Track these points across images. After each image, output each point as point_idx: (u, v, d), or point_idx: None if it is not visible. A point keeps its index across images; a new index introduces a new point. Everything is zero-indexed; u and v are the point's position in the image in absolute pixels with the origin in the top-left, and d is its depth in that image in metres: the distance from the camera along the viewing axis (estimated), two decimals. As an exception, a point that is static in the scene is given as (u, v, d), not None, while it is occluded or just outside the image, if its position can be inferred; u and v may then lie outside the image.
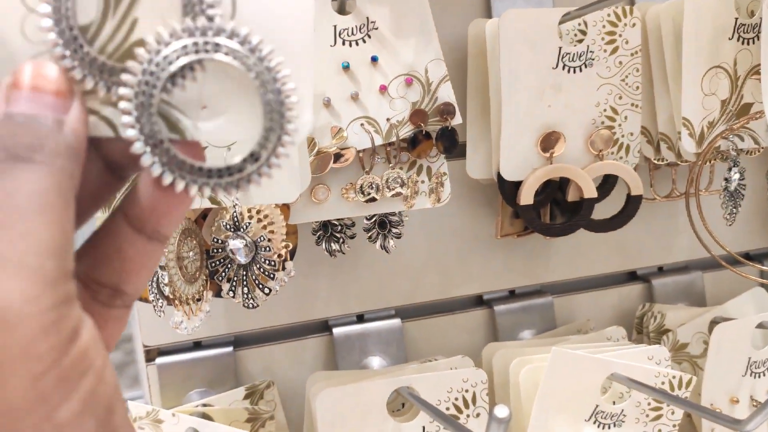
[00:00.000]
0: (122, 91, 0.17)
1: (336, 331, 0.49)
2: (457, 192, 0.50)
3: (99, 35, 0.18)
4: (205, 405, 0.45)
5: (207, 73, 0.18)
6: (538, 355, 0.45)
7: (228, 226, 0.33)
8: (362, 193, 0.40)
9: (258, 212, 0.35)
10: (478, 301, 0.54)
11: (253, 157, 0.18)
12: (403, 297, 0.51)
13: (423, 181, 0.42)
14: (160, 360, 0.46)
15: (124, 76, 0.17)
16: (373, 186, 0.40)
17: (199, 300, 0.34)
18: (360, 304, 0.50)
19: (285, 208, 0.37)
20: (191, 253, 0.33)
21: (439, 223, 0.51)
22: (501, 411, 0.26)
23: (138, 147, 0.17)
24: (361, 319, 0.51)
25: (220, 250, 0.34)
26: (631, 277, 0.57)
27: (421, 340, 0.51)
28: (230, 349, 0.47)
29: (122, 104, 0.17)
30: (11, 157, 0.16)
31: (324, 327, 0.50)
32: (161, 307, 0.32)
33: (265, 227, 0.35)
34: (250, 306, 0.35)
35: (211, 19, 0.17)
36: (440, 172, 0.42)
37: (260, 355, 0.48)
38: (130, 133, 0.17)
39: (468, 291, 0.52)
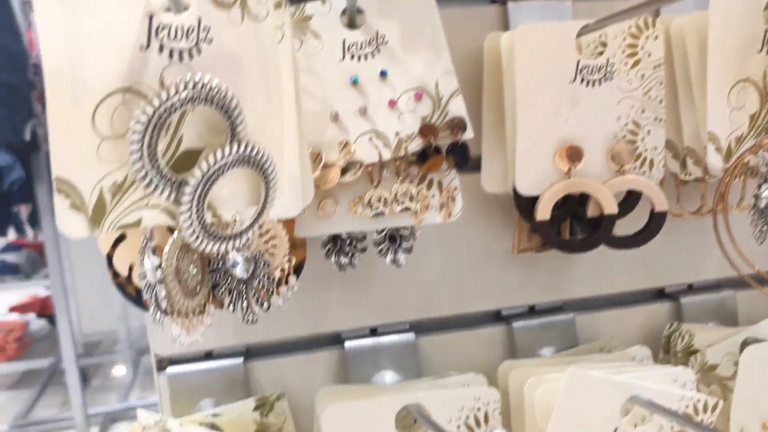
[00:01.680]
0: (187, 190, 0.28)
1: (348, 344, 0.49)
2: (473, 206, 0.49)
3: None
4: (215, 415, 0.45)
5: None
6: (554, 374, 0.44)
7: (229, 241, 0.33)
8: (370, 207, 0.40)
9: (260, 227, 0.34)
10: (496, 317, 0.52)
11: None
12: (418, 311, 0.50)
13: (434, 196, 0.41)
14: (170, 369, 0.46)
15: (190, 179, 0.28)
16: (381, 200, 0.40)
17: (200, 314, 0.34)
18: (373, 318, 0.49)
19: (289, 222, 0.37)
20: (192, 267, 0.33)
21: (454, 236, 0.50)
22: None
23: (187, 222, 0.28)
24: (374, 332, 0.50)
25: (220, 264, 0.33)
26: (659, 295, 0.55)
27: (436, 355, 0.50)
28: (240, 360, 0.47)
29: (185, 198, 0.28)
30: None
31: (336, 340, 0.50)
32: (159, 320, 0.32)
33: (267, 242, 0.35)
34: (249, 321, 0.34)
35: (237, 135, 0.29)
36: (451, 186, 0.41)
37: (271, 366, 0.48)
38: (186, 216, 0.28)
39: (485, 306, 0.51)
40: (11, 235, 3.02)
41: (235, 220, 0.29)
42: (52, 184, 0.26)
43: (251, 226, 0.30)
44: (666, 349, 0.53)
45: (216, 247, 0.29)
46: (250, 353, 0.48)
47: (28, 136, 1.77)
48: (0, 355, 2.82)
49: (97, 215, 0.26)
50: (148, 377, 2.67)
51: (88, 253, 2.99)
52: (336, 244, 0.43)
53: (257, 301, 0.34)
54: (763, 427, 0.49)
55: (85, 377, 2.67)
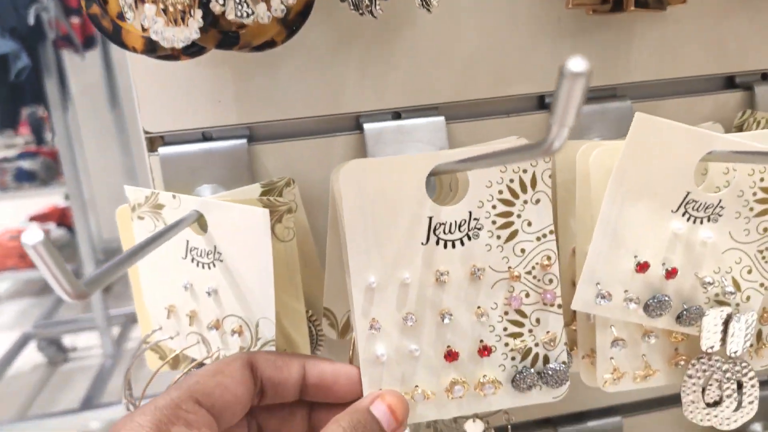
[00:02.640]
0: None
1: (368, 127, 0.42)
2: (517, -39, 0.41)
3: None
4: (214, 199, 0.39)
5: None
6: (613, 141, 0.37)
7: None
8: None
9: None
10: (540, 103, 0.45)
11: None
12: (448, 93, 0.43)
13: None
14: (163, 150, 0.40)
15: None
16: None
17: (183, 12, 0.27)
18: (397, 99, 0.42)
19: None
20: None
21: (494, 2, 0.42)
22: (576, 64, 0.18)
23: None
24: (398, 117, 0.43)
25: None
26: (729, 84, 0.47)
27: (470, 144, 0.43)
28: (244, 141, 0.41)
29: None
30: None
31: (354, 124, 0.43)
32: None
33: None
34: (245, 15, 0.27)
35: None
36: None
37: (279, 150, 0.42)
38: None
39: (527, 89, 0.44)
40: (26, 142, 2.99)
41: None
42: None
43: None
44: (737, 142, 0.46)
45: None
46: (254, 136, 0.42)
47: (32, 20, 1.69)
48: (21, 261, 2.84)
49: None
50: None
51: (105, 160, 2.95)
52: (352, -23, 0.35)
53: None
54: None
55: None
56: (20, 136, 2.99)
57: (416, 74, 0.42)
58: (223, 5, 0.27)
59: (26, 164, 2.78)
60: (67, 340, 2.36)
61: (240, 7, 0.27)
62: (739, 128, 0.45)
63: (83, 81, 2.58)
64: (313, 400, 0.34)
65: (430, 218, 0.34)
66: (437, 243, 0.34)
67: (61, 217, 3.23)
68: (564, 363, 0.35)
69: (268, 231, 0.34)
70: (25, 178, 2.79)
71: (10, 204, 2.90)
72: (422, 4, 0.36)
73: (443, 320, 0.34)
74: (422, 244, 0.34)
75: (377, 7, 0.36)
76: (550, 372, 0.35)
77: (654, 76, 0.45)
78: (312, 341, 0.42)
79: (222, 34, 0.32)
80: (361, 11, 0.36)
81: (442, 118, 0.42)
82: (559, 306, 0.35)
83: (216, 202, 0.35)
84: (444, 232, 0.34)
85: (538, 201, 0.35)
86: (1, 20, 1.69)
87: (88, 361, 2.29)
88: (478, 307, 0.34)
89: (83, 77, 2.54)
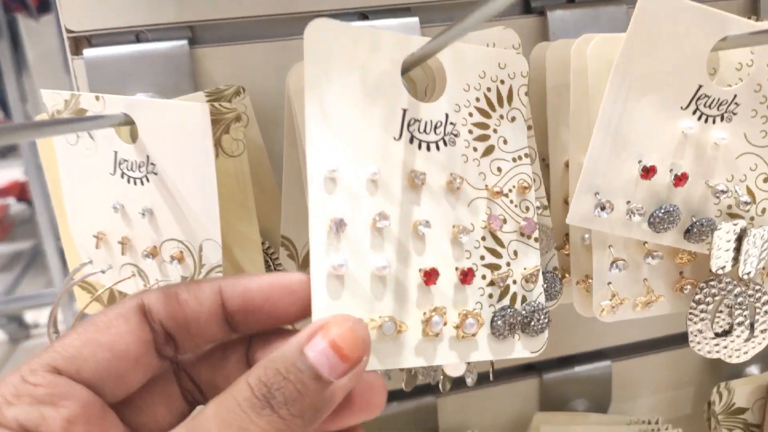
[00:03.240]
0: None
1: (330, 29, 0.36)
2: None
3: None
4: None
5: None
6: (609, 34, 0.32)
7: None
8: None
9: None
10: (525, 6, 0.40)
11: None
12: (422, -10, 0.37)
13: None
14: (89, 52, 0.34)
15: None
16: None
17: None
18: (363, -3, 0.37)
19: None
20: None
21: None
22: None
23: None
24: (365, 17, 0.37)
25: None
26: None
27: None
28: (184, 44, 0.35)
29: None
30: (267, 403, 0.20)
31: (314, 26, 0.37)
32: None
33: None
34: None
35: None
36: None
37: (226, 56, 0.36)
38: None
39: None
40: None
41: None
42: None
43: None
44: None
45: None
46: (196, 37, 0.36)
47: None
48: (-20, 237, 2.73)
49: None
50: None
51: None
52: None
53: None
54: None
55: (70, 259, 2.59)
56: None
57: (384, -31, 0.37)
58: None
59: (-19, 135, 2.66)
60: (29, 317, 2.28)
61: None
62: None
63: (39, 47, 2.45)
64: (251, 333, 0.26)
65: (405, 111, 0.28)
66: (411, 141, 0.29)
67: (22, 192, 3.11)
68: (542, 304, 0.30)
69: (208, 131, 0.28)
70: (-20, 150, 2.67)
71: (-34, 178, 2.78)
72: None
73: (419, 231, 0.29)
74: (395, 139, 0.28)
75: None
76: (530, 308, 0.30)
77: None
78: (269, 276, 0.37)
79: None
80: None
81: (416, 19, 0.37)
82: (536, 239, 0.30)
83: (146, 100, 0.30)
84: (419, 131, 0.29)
85: (513, 119, 0.30)
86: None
87: (50, 337, 2.21)
88: (454, 226, 0.29)
89: (39, 43, 2.42)
